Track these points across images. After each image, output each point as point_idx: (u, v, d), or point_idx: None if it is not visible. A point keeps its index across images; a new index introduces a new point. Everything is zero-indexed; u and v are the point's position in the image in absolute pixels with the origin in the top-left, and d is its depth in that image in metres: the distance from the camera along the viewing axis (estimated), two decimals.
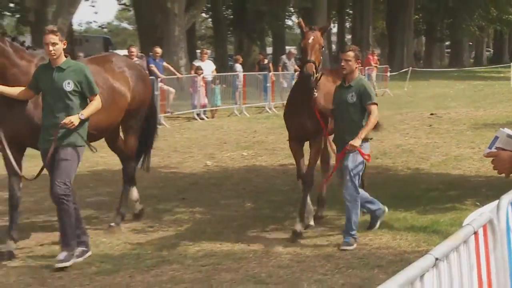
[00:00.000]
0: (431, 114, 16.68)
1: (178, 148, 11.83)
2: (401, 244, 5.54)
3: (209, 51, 23.39)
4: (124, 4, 49.38)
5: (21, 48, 5.58)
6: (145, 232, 6.23)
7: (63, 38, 5.33)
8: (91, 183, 8.57)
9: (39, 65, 5.40)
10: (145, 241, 5.86)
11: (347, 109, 5.48)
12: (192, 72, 17.72)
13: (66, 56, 5.28)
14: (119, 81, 6.04)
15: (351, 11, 53.64)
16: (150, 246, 5.68)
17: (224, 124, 16.02)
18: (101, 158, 9.16)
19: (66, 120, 4.99)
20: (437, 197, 7.47)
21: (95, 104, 5.25)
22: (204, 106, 17.04)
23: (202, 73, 16.82)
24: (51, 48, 5.06)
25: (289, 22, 49.54)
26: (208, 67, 17.70)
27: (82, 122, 5.13)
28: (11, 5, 26.75)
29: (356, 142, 5.28)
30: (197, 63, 18.32)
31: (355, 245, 5.41)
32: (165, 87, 16.14)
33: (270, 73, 19.63)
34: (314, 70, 5.46)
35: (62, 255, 4.95)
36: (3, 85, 5.23)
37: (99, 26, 63.43)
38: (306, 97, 5.58)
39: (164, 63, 16.71)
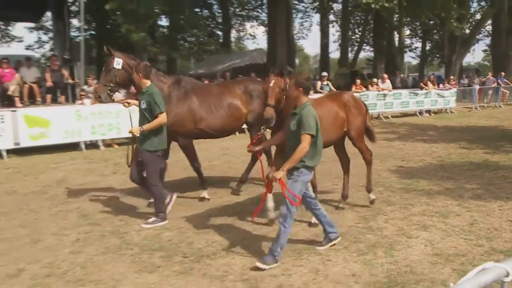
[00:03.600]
0: None
1: None
2: None
3: None
4: None
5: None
6: None
7: None
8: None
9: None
10: None
11: (290, 137, 5.05)
12: None
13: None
14: None
15: None
16: None
17: None
18: None
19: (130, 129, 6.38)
20: None
21: (158, 120, 6.26)
22: None
23: None
24: None
25: None
26: None
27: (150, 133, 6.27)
28: None
29: (278, 174, 4.81)
30: None
31: (272, 266, 4.94)
32: None
33: None
34: (272, 114, 5.35)
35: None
36: None
37: None
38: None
39: None
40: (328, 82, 19.58)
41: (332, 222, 5.55)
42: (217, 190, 8.27)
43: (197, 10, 32.00)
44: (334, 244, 5.50)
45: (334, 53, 50.03)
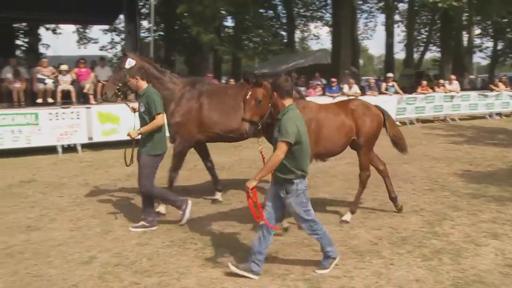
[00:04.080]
0: None
1: None
2: None
3: None
4: None
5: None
6: None
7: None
8: None
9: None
10: None
11: (274, 145, 4.61)
12: None
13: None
14: None
15: None
16: None
17: None
18: None
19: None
20: None
21: (155, 122, 6.05)
22: None
23: None
24: None
25: None
26: None
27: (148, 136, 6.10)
28: None
29: (250, 183, 4.49)
30: None
31: (331, 267, 4.85)
32: None
33: None
34: (247, 129, 4.94)
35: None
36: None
37: None
38: None
39: None
40: (394, 83, 19.11)
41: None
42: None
43: (261, 11, 32.14)
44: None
45: (399, 53, 48.78)
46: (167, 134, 6.62)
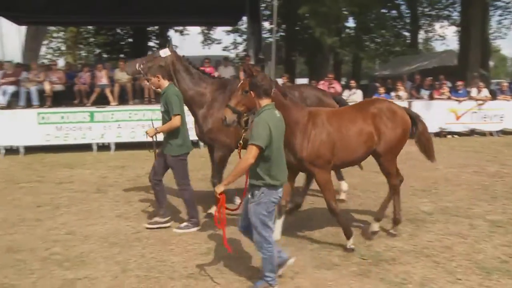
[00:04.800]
0: None
1: None
2: None
3: None
4: None
5: None
6: None
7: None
8: None
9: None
10: None
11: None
12: None
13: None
14: None
15: None
16: None
17: None
18: None
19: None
20: None
21: (171, 123, 6.02)
22: None
23: None
24: None
25: None
26: None
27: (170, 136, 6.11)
28: None
29: (218, 188, 4.26)
30: None
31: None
32: None
33: None
34: (226, 115, 4.66)
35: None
36: None
37: None
38: None
39: None
40: None
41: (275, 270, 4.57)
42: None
43: (384, 10, 31.23)
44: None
45: None
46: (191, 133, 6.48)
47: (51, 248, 5.76)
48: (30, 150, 13.24)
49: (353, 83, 16.74)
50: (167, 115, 6.07)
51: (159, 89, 6.30)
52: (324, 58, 25.83)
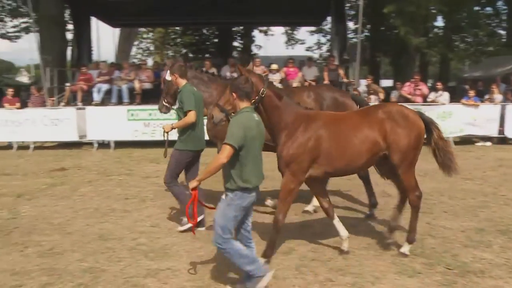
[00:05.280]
0: None
1: None
2: None
3: None
4: None
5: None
6: None
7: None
8: None
9: None
10: None
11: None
12: None
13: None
14: None
15: None
16: None
17: None
18: None
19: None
20: None
21: (185, 118, 6.13)
22: None
23: None
24: None
25: None
26: None
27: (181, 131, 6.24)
28: None
29: (192, 184, 4.33)
30: None
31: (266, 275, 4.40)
32: None
33: None
34: (213, 113, 4.79)
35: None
36: None
37: None
38: None
39: None
40: None
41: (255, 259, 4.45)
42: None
43: (477, 8, 29.51)
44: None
45: None
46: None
47: (138, 239, 6.06)
48: (120, 144, 14.04)
49: (439, 85, 15.94)
50: (181, 112, 6.27)
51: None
52: (410, 58, 24.91)
